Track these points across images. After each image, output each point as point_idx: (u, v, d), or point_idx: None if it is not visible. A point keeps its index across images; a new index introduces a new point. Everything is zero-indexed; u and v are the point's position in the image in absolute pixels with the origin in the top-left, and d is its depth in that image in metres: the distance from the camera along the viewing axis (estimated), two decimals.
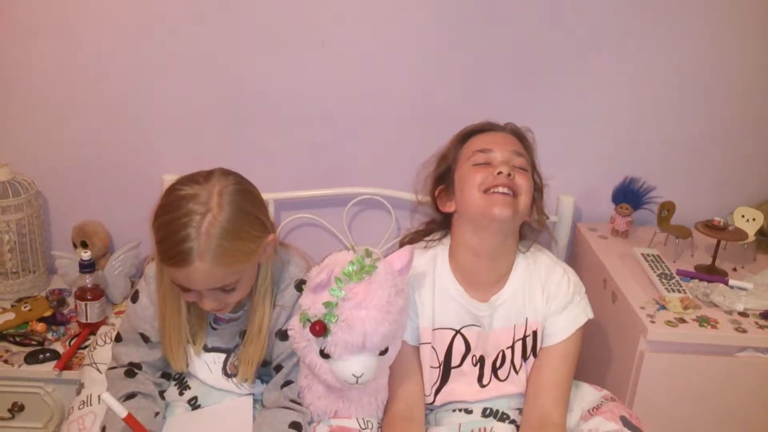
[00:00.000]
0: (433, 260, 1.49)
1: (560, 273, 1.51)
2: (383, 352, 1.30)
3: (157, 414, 1.39)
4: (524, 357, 1.49)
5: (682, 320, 1.56)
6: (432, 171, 1.54)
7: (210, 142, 1.99)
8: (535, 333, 1.48)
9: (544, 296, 1.49)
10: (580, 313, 1.49)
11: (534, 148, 1.53)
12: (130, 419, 1.28)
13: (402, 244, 1.59)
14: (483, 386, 1.50)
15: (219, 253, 1.22)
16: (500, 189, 1.37)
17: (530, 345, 1.49)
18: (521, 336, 1.48)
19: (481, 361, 1.49)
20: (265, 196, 1.70)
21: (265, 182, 1.65)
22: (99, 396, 1.28)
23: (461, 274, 1.48)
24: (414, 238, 1.58)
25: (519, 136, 1.51)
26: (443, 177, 1.50)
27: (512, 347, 1.49)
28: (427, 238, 1.55)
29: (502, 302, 1.48)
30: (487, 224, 1.40)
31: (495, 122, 1.53)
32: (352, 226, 2.05)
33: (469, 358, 1.49)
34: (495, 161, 1.42)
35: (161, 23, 1.87)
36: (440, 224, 1.55)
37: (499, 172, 1.38)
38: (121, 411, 1.26)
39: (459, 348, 1.48)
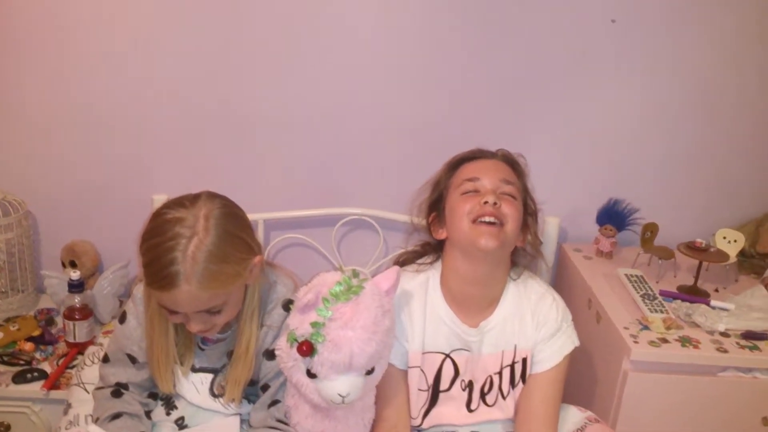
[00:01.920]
0: (425, 284, 1.50)
1: (550, 301, 1.52)
2: (369, 372, 1.31)
3: None
4: (512, 383, 1.50)
5: (665, 340, 1.58)
6: (426, 198, 1.55)
7: (200, 162, 2.00)
8: (524, 360, 1.49)
9: (534, 323, 1.49)
10: (567, 341, 1.50)
11: (527, 173, 1.54)
12: None
13: (396, 263, 1.60)
14: (471, 411, 1.50)
15: (205, 276, 1.23)
16: (487, 218, 1.38)
17: (519, 372, 1.50)
18: (509, 362, 1.49)
19: (470, 386, 1.50)
20: (254, 216, 1.73)
21: (255, 202, 1.67)
22: (87, 428, 1.28)
23: (452, 299, 1.49)
24: (408, 258, 1.59)
25: (510, 162, 1.51)
26: (435, 204, 1.51)
27: (500, 373, 1.49)
28: (419, 261, 1.56)
29: (491, 328, 1.48)
30: (475, 253, 1.41)
31: (486, 149, 1.53)
32: (341, 247, 2.07)
33: (458, 382, 1.49)
34: (483, 189, 1.42)
35: (151, 45, 1.89)
36: (434, 247, 1.55)
37: (485, 202, 1.39)
38: None
39: (448, 372, 1.49)
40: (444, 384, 1.49)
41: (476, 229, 1.39)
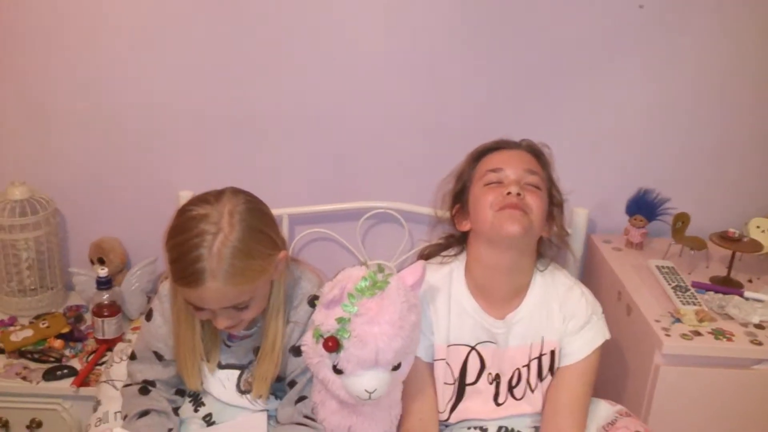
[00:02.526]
0: (449, 276, 1.49)
1: (578, 293, 1.49)
2: (396, 368, 1.30)
3: (170, 430, 1.40)
4: (540, 377, 1.48)
5: (698, 333, 1.55)
6: (450, 189, 1.54)
7: (225, 157, 2.01)
8: (552, 352, 1.47)
9: (562, 315, 1.47)
10: (597, 334, 1.48)
11: (551, 163, 1.51)
12: None
13: (421, 256, 1.59)
14: (499, 405, 1.49)
15: (231, 272, 1.23)
16: (509, 205, 1.37)
17: (547, 364, 1.48)
18: (537, 355, 1.48)
19: (497, 379, 1.48)
20: (278, 211, 1.73)
21: (279, 197, 1.66)
22: (113, 430, 1.29)
23: (477, 291, 1.47)
24: (432, 251, 1.58)
25: (535, 152, 1.49)
26: (459, 196, 1.50)
27: (528, 366, 1.48)
28: (444, 254, 1.54)
29: (518, 320, 1.47)
30: (500, 241, 1.39)
31: (510, 139, 1.51)
32: (366, 241, 2.06)
33: (484, 376, 1.48)
34: (506, 180, 1.41)
35: (177, 41, 1.89)
36: (458, 239, 1.54)
37: (509, 192, 1.38)
38: None
39: (474, 365, 1.48)
40: (470, 377, 1.48)
41: (500, 215, 1.37)
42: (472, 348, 1.47)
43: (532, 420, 1.51)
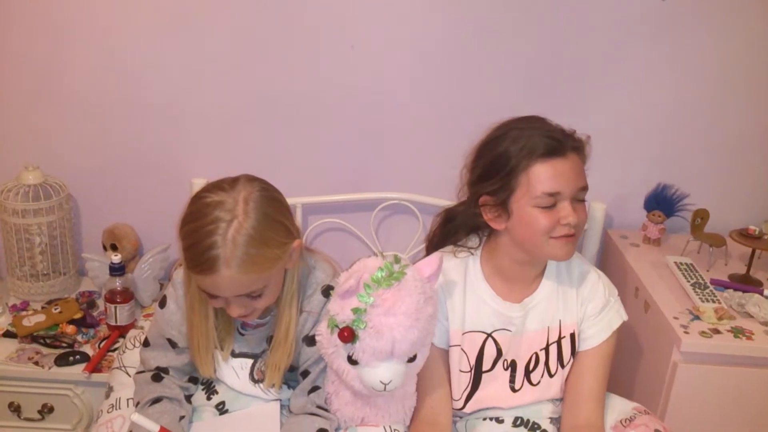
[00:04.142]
0: (464, 263, 1.48)
1: (594, 277, 1.49)
2: (411, 359, 1.29)
3: (182, 418, 1.40)
4: (561, 361, 1.47)
5: (717, 331, 1.53)
6: (479, 172, 1.42)
7: (239, 146, 2.00)
8: (572, 335, 1.47)
9: (579, 299, 1.47)
10: (614, 316, 1.48)
11: (589, 149, 1.44)
12: (163, 431, 1.28)
13: (428, 245, 1.58)
14: (515, 391, 1.48)
15: (245, 260, 1.22)
16: (565, 236, 1.35)
17: (568, 348, 1.47)
18: (556, 338, 1.47)
19: (513, 365, 1.48)
20: (292, 200, 1.71)
21: (293, 186, 1.65)
22: (131, 416, 1.28)
23: (494, 277, 1.47)
24: (440, 241, 1.55)
25: (582, 153, 1.40)
26: (495, 192, 1.39)
27: (546, 349, 1.47)
28: (460, 244, 1.50)
29: (535, 304, 1.46)
30: (546, 259, 1.41)
31: (561, 137, 1.36)
32: (380, 231, 2.04)
33: (500, 363, 1.47)
34: (561, 205, 1.34)
35: (192, 28, 1.88)
36: (472, 227, 1.49)
37: (567, 224, 1.34)
38: (154, 426, 1.26)
39: (490, 352, 1.47)
40: (486, 364, 1.47)
41: (554, 244, 1.36)
42: (489, 335, 1.46)
43: (548, 409, 1.50)
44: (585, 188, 1.37)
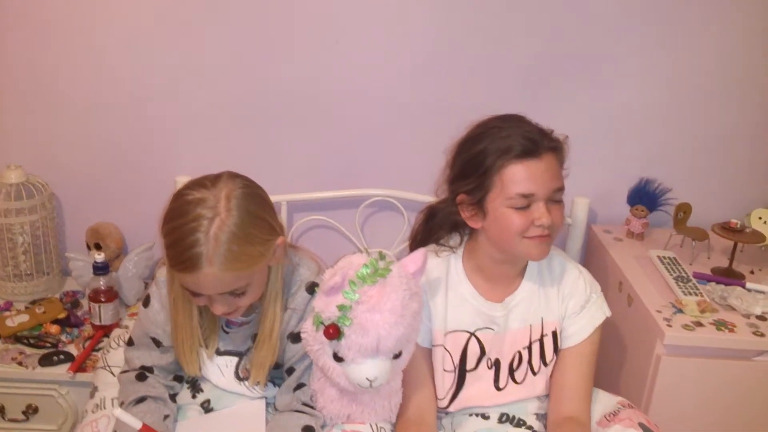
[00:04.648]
0: (446, 262, 1.48)
1: (576, 273, 1.50)
2: (397, 356, 1.29)
3: (167, 417, 1.39)
4: (543, 360, 1.48)
5: (700, 324, 1.55)
6: (456, 170, 1.43)
7: (223, 144, 1.99)
8: (554, 333, 1.48)
9: (560, 296, 1.48)
10: (597, 312, 1.48)
11: (567, 153, 1.44)
12: (146, 429, 1.27)
13: (411, 243, 1.58)
14: (499, 389, 1.48)
15: (228, 257, 1.21)
16: (539, 236, 1.35)
17: (550, 346, 1.48)
18: (538, 336, 1.47)
19: (497, 363, 1.48)
20: (277, 197, 1.71)
21: (278, 184, 1.65)
22: (113, 411, 1.28)
23: (476, 276, 1.47)
24: (423, 240, 1.55)
25: (558, 152, 1.39)
26: (471, 191, 1.39)
27: (529, 348, 1.48)
28: (441, 242, 1.51)
29: (517, 303, 1.47)
30: (522, 259, 1.42)
31: (537, 138, 1.35)
32: (365, 228, 2.04)
33: (484, 361, 1.48)
34: (535, 206, 1.34)
35: (175, 25, 1.87)
36: (453, 225, 1.50)
37: (540, 225, 1.34)
38: (136, 423, 1.26)
39: (474, 351, 1.47)
40: (470, 363, 1.47)
41: (528, 243, 1.36)
42: (472, 334, 1.47)
43: (534, 405, 1.51)
44: (561, 189, 1.37)
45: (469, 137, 1.42)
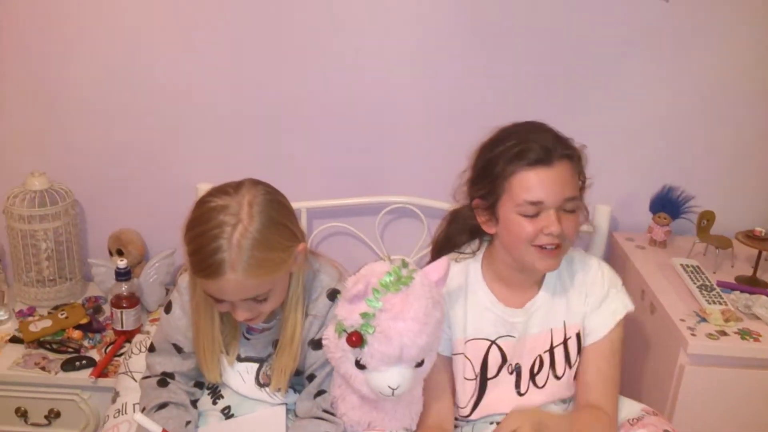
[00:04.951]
0: (464, 271, 1.48)
1: (595, 268, 1.48)
2: (419, 364, 1.29)
3: (188, 423, 1.40)
4: (568, 362, 1.46)
5: (724, 333, 1.53)
6: (473, 174, 1.44)
7: (244, 151, 2.00)
8: (578, 335, 1.46)
9: (582, 294, 1.46)
10: (618, 306, 1.46)
11: (586, 162, 1.43)
12: None
13: (434, 249, 1.58)
14: (521, 395, 1.47)
15: (251, 263, 1.22)
16: (548, 246, 1.35)
17: (575, 348, 1.46)
18: (561, 340, 1.46)
19: (517, 369, 1.47)
20: (297, 204, 1.71)
21: (298, 191, 1.65)
22: (133, 416, 1.28)
23: (495, 283, 1.47)
24: (444, 244, 1.55)
25: (575, 162, 1.38)
26: (485, 196, 1.40)
27: (551, 351, 1.46)
28: (460, 250, 1.51)
29: (537, 307, 1.46)
30: (531, 269, 1.40)
31: (551, 146, 1.34)
32: (385, 235, 2.04)
33: (505, 368, 1.47)
34: (545, 214, 1.33)
35: (196, 35, 1.88)
36: (473, 230, 1.49)
37: (549, 233, 1.33)
38: (156, 428, 1.27)
39: (495, 358, 1.46)
40: (491, 371, 1.47)
41: (536, 253, 1.35)
42: (493, 342, 1.46)
43: (557, 411, 1.48)
44: (573, 198, 1.35)
45: (487, 142, 1.43)
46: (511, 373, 1.47)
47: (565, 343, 1.46)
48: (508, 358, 1.46)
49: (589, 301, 1.46)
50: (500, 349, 1.46)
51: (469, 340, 1.45)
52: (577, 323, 1.47)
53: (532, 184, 1.33)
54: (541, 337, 1.47)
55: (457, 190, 1.50)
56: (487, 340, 1.46)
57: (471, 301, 1.46)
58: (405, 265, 1.29)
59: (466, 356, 1.46)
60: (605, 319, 1.45)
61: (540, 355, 1.47)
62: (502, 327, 1.46)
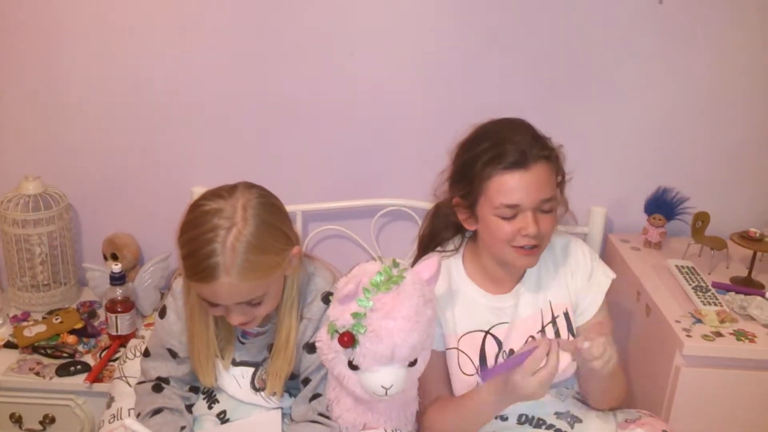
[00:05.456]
0: (446, 272, 1.49)
1: (575, 246, 1.52)
2: (412, 364, 1.28)
3: (183, 428, 1.39)
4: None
5: (719, 334, 1.52)
6: (452, 173, 1.46)
7: (238, 154, 2.00)
8: (566, 314, 1.48)
9: (567, 273, 1.49)
10: (602, 278, 1.50)
11: (564, 161, 1.44)
12: None
13: (420, 245, 1.59)
14: None
15: (245, 267, 1.22)
16: (527, 246, 1.37)
17: (564, 327, 1.47)
18: (550, 319, 1.47)
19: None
20: (292, 207, 1.71)
21: (293, 194, 1.65)
22: (124, 421, 1.28)
23: (478, 275, 1.49)
24: (429, 241, 1.57)
25: (553, 162, 1.39)
26: (464, 195, 1.42)
27: (542, 332, 1.47)
28: (441, 248, 1.53)
29: (525, 290, 1.48)
30: (511, 266, 1.43)
31: (528, 147, 1.35)
32: (380, 238, 2.04)
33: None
34: (522, 215, 1.35)
35: (191, 37, 1.89)
36: (456, 226, 1.51)
37: (527, 234, 1.35)
38: None
39: (491, 348, 1.47)
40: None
41: (514, 252, 1.38)
42: (487, 332, 1.47)
43: (552, 407, 1.48)
44: (550, 199, 1.37)
45: (465, 141, 1.45)
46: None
47: (553, 322, 1.47)
48: (503, 344, 1.47)
49: (577, 278, 1.49)
50: (495, 337, 1.47)
51: (463, 334, 1.46)
52: (564, 302, 1.48)
53: (509, 187, 1.34)
54: (531, 319, 1.48)
55: (438, 188, 1.53)
56: (481, 331, 1.47)
57: (459, 299, 1.48)
58: (396, 264, 1.29)
59: (460, 350, 1.46)
60: (596, 294, 1.49)
61: (532, 336, 1.47)
62: (493, 315, 1.47)
